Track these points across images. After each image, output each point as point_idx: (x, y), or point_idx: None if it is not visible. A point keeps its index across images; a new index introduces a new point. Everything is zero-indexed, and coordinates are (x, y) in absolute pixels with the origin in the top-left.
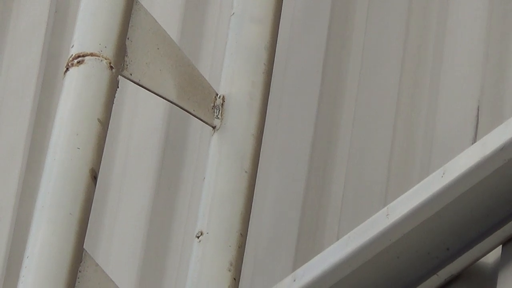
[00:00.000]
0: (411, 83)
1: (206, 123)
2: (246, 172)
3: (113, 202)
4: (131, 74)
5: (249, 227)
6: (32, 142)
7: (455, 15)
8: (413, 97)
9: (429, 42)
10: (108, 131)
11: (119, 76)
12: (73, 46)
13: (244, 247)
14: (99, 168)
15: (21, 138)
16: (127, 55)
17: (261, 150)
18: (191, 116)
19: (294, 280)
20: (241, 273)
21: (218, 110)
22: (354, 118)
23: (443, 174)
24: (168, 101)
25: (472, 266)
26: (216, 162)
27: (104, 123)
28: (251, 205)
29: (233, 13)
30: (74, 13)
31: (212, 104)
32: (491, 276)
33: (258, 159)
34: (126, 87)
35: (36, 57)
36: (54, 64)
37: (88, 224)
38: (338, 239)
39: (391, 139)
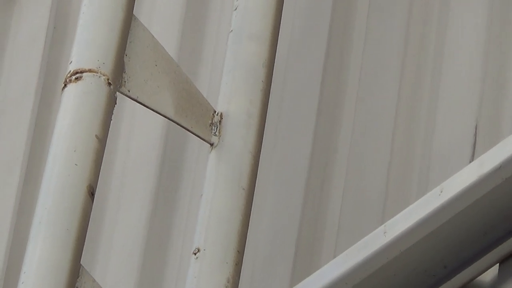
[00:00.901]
0: (409, 101)
1: (204, 140)
2: (243, 189)
3: (110, 218)
4: (129, 91)
5: (246, 244)
6: (30, 157)
7: (454, 32)
8: (411, 114)
9: (428, 59)
10: (105, 148)
11: (117, 92)
12: (71, 62)
13: (241, 264)
14: (97, 185)
15: (19, 153)
16: (125, 72)
17: (259, 167)
18: (189, 133)
19: None
20: None
21: (216, 127)
22: (352, 136)
23: (441, 192)
24: (166, 118)
25: (469, 284)
26: (213, 179)
27: (102, 140)
28: (249, 222)
29: (232, 30)
30: (73, 28)
31: (210, 121)
32: None
33: (256, 176)
34: (124, 104)
35: (34, 71)
36: (52, 78)
37: (86, 240)
38: (335, 257)
39: (389, 157)
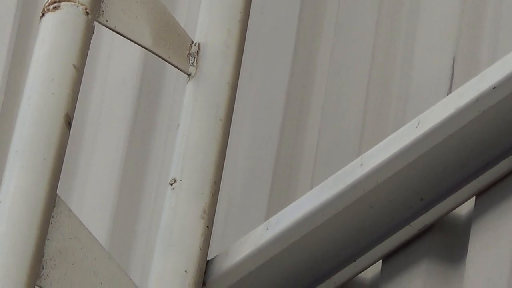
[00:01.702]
0: (387, 34)
1: (181, 70)
2: (220, 120)
3: (87, 148)
4: (107, 20)
5: (222, 175)
6: (7, 87)
7: None
8: (388, 47)
9: None
10: (83, 78)
11: (95, 22)
12: None
13: (218, 195)
14: (74, 114)
15: None
16: (103, 1)
17: (236, 98)
18: (166, 63)
19: (267, 229)
20: (214, 221)
21: (193, 58)
22: (329, 68)
23: (418, 124)
24: (144, 47)
25: (445, 217)
26: (190, 110)
27: (79, 69)
28: (225, 153)
29: None
30: None
31: (188, 52)
32: (464, 227)
33: (233, 107)
34: (102, 33)
35: (12, 2)
36: (30, 8)
37: (62, 170)
38: (312, 188)
39: (366, 89)
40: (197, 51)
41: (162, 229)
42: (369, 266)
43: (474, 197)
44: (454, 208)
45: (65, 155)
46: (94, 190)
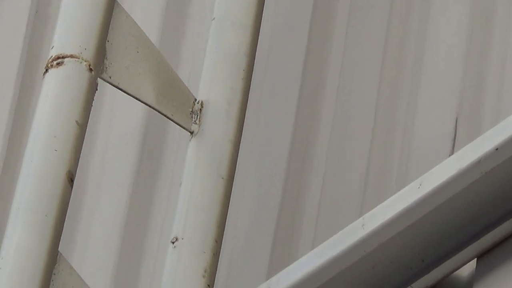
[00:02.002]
0: (390, 93)
1: (184, 128)
2: (222, 178)
3: (89, 205)
4: (110, 77)
5: (224, 234)
6: (10, 143)
7: (436, 27)
8: (391, 107)
9: (409, 52)
10: (85, 134)
11: (98, 78)
12: (53, 47)
13: (219, 253)
14: (76, 171)
15: None
16: (106, 58)
17: (238, 156)
18: (169, 120)
19: None
20: (215, 279)
21: (196, 116)
22: (332, 126)
23: (420, 185)
24: (147, 105)
25: (446, 279)
26: (193, 168)
27: (82, 126)
28: (227, 212)
29: (214, 18)
30: (55, 14)
31: (191, 109)
32: None
33: (235, 165)
34: (105, 90)
35: (16, 56)
36: (34, 63)
37: (64, 227)
38: (313, 248)
39: (369, 148)
40: (200, 109)
41: (163, 287)
42: None
43: (476, 258)
44: (455, 270)
45: (67, 211)
46: (95, 247)
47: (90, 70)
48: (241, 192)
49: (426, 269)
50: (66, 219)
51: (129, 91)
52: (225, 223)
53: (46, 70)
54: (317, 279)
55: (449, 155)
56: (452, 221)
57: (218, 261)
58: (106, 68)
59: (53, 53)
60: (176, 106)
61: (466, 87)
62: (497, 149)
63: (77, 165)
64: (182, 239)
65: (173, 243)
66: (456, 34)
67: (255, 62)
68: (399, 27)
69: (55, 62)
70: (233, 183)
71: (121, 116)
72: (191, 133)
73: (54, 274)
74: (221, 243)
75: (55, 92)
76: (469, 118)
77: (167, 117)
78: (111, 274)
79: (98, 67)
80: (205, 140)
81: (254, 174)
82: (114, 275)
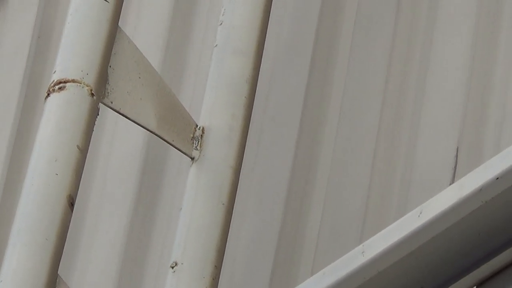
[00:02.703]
0: (391, 121)
1: (185, 153)
2: (223, 204)
3: (89, 229)
4: (111, 102)
5: (224, 259)
6: (10, 166)
7: (438, 55)
8: (392, 135)
9: (411, 80)
10: (86, 158)
11: (100, 103)
12: (55, 71)
13: (218, 279)
14: (77, 195)
15: (0, 161)
16: (108, 83)
17: (239, 182)
18: (170, 146)
19: None
20: None
21: (197, 142)
22: (333, 155)
23: (420, 213)
24: (148, 130)
25: None
26: (193, 193)
27: (83, 150)
28: (227, 238)
29: (216, 45)
30: (57, 39)
31: (192, 135)
32: None
33: (236, 192)
34: (106, 114)
35: (18, 80)
36: (35, 88)
37: (64, 250)
38: (313, 274)
39: (369, 177)
40: (201, 135)
41: None
42: None
43: (475, 287)
44: None
45: (67, 235)
46: (95, 271)
47: (92, 95)
48: (241, 218)
49: None
50: (66, 242)
51: (130, 116)
52: (224, 249)
53: (48, 95)
54: None
55: (450, 184)
56: (452, 249)
57: (217, 286)
58: (108, 93)
59: (55, 77)
60: (177, 131)
61: (467, 116)
62: (497, 178)
63: (78, 189)
64: (182, 264)
65: (172, 267)
66: (458, 63)
67: (256, 88)
68: (402, 53)
69: (57, 87)
70: (234, 209)
71: (122, 141)
72: (192, 158)
73: None
74: (221, 269)
75: (57, 116)
76: (470, 147)
77: (168, 143)
78: None
79: (100, 92)
80: (206, 166)
81: (255, 200)
82: None
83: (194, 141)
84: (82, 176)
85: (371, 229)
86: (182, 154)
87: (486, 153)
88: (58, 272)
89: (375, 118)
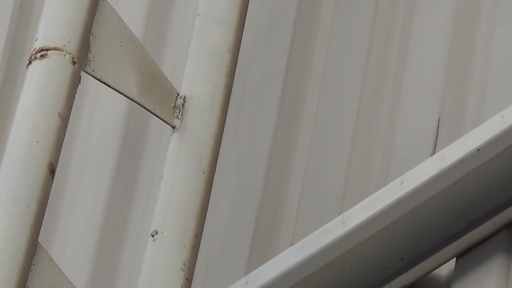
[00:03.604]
0: (372, 92)
1: (166, 122)
2: (203, 173)
3: (69, 197)
4: (93, 70)
5: (204, 228)
6: None
7: (419, 27)
8: (373, 106)
9: (392, 52)
10: (67, 126)
11: (82, 71)
12: (36, 39)
13: (198, 248)
14: (57, 163)
15: None
16: (90, 51)
17: (220, 151)
18: (151, 115)
19: (247, 283)
20: (194, 274)
21: (178, 110)
22: (313, 125)
23: (401, 184)
24: (129, 98)
25: (425, 278)
26: (174, 162)
27: (65, 118)
28: (207, 206)
29: (198, 14)
30: (40, 6)
31: (173, 104)
32: None
33: (216, 161)
34: (88, 82)
35: None
36: (17, 56)
37: (44, 219)
38: (292, 244)
39: (350, 147)
40: (183, 104)
41: (142, 280)
42: None
43: (455, 258)
44: (434, 269)
45: (48, 203)
46: (75, 239)
47: (74, 63)
48: (222, 187)
49: (405, 268)
50: (46, 211)
51: (112, 85)
52: (205, 218)
53: (30, 62)
54: (296, 275)
55: (431, 155)
56: (432, 220)
57: (197, 255)
58: (90, 61)
59: (37, 45)
60: (159, 100)
61: (448, 88)
62: (478, 150)
63: (59, 157)
64: (162, 232)
65: (152, 236)
66: (439, 35)
67: (238, 58)
68: (382, 28)
69: (38, 54)
70: (214, 178)
71: (103, 110)
72: (173, 127)
73: (33, 264)
74: (201, 237)
75: (38, 84)
76: (451, 118)
77: (150, 111)
78: (90, 266)
79: (81, 60)
80: (187, 135)
81: (235, 170)
82: (93, 267)
83: (176, 110)
84: (63, 144)
85: (351, 199)
86: (164, 122)
87: (467, 125)
88: (39, 240)
89: (356, 89)
